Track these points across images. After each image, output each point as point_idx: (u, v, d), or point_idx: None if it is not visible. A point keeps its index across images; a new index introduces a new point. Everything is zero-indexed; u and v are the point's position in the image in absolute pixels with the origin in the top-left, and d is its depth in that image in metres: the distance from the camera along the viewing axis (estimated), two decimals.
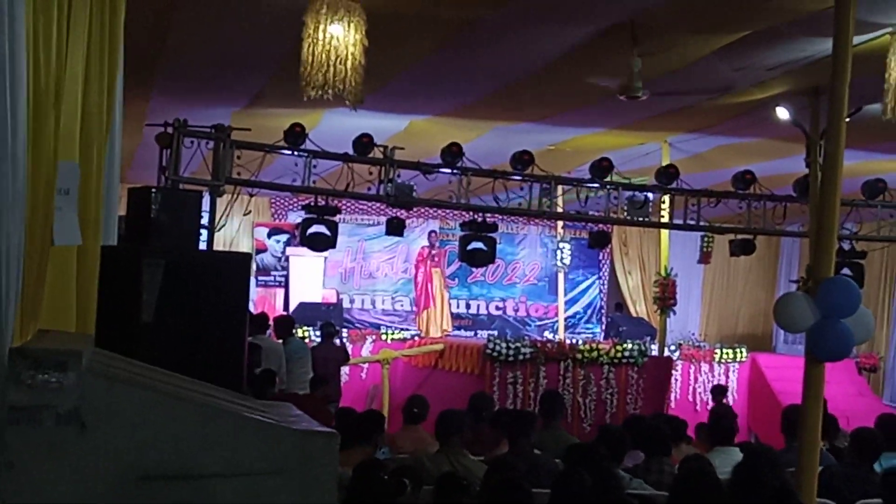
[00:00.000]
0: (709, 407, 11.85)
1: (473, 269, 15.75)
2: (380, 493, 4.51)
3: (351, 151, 9.72)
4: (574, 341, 12.41)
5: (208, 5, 7.24)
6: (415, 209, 12.73)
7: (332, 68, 6.53)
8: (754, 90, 9.13)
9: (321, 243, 10.03)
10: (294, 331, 11.07)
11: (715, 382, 12.77)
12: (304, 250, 11.72)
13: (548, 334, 16.05)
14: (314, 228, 10.04)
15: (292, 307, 14.64)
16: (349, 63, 6.55)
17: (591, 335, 16.47)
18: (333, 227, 10.05)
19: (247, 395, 4.06)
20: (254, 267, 15.38)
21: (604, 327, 16.74)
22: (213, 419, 2.28)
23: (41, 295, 2.79)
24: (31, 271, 2.56)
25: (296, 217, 15.11)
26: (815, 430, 5.70)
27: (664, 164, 11.13)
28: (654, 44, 7.72)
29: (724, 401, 11.90)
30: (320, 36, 6.47)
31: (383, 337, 13.73)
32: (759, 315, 17.95)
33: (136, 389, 2.23)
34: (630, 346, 11.77)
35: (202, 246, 7.69)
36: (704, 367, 13.25)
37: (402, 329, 15.15)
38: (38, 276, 2.67)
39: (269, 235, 16.21)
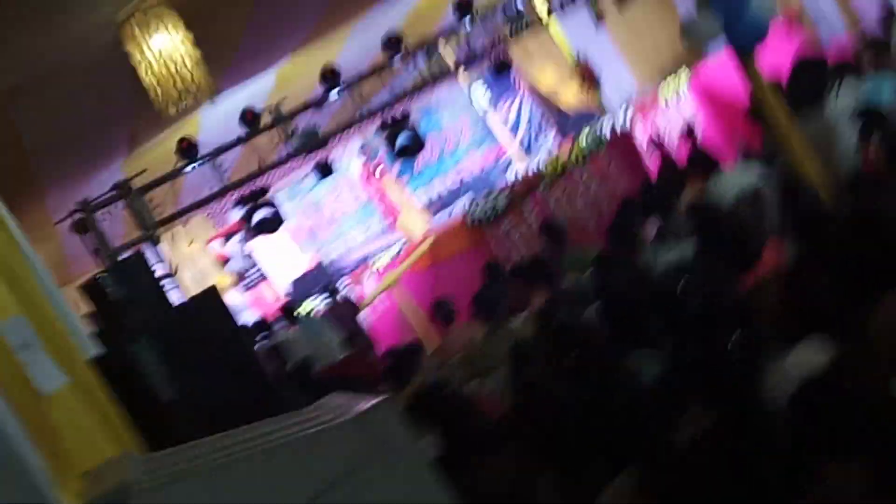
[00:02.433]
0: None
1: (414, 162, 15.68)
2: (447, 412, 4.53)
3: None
4: (536, 167, 12.41)
5: (43, 87, 7.09)
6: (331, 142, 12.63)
7: (176, 76, 6.43)
8: None
9: (270, 226, 9.99)
10: (297, 312, 11.11)
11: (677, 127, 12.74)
12: (261, 238, 11.69)
13: (509, 175, 16.05)
14: (257, 216, 10.01)
15: (286, 290, 14.66)
16: (188, 62, 6.45)
17: (549, 147, 16.43)
18: (272, 207, 10.02)
19: (290, 401, 4.08)
20: (230, 280, 15.34)
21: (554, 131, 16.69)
22: (273, 458, 2.29)
23: (63, 445, 2.79)
24: (41, 431, 2.55)
25: (236, 215, 15.00)
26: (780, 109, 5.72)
27: None
28: None
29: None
30: (149, 55, 6.36)
31: (376, 266, 13.72)
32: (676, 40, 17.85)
33: (188, 481, 2.24)
34: (584, 139, 11.77)
35: (175, 297, 7.66)
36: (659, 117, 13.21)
37: (387, 249, 15.13)
38: (47, 431, 2.66)
39: (225, 243, 16.09)
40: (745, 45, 5.53)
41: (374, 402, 2.36)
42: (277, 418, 2.55)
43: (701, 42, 5.87)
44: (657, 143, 11.57)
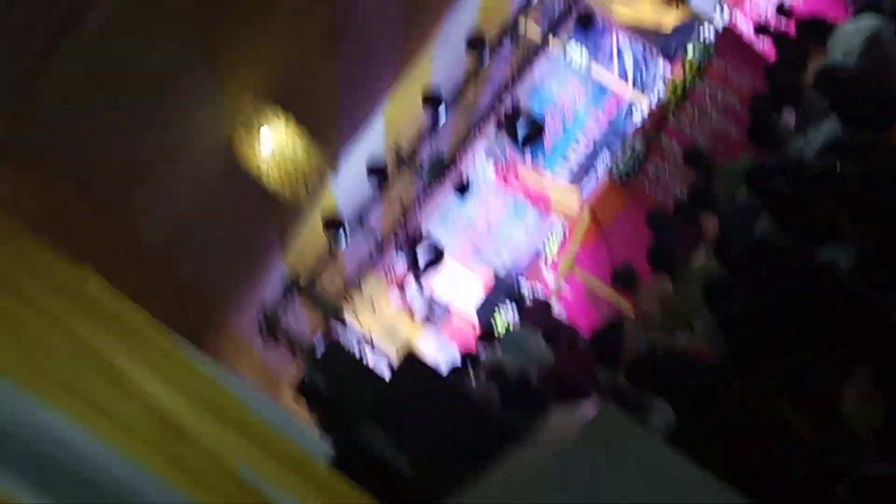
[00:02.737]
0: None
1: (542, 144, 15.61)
2: None
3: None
4: (657, 99, 12.23)
5: (192, 230, 7.42)
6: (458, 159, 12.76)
7: (295, 167, 6.65)
8: None
9: (435, 261, 10.16)
10: (494, 330, 11.21)
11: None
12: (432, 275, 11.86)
13: (636, 117, 15.83)
14: (420, 257, 10.21)
15: (476, 313, 14.80)
16: (300, 150, 6.67)
17: (662, 74, 16.14)
18: (430, 241, 10.20)
19: (519, 425, 4.12)
20: (421, 325, 15.59)
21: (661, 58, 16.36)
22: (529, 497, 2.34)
23: None
24: None
25: (402, 263, 15.23)
26: None
27: None
28: None
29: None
30: (263, 161, 6.60)
31: (548, 256, 13.70)
32: None
33: None
34: (692, 53, 11.55)
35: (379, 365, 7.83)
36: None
37: (551, 236, 15.10)
38: None
39: (403, 292, 16.31)
40: None
41: (591, 411, 2.39)
42: (513, 457, 2.59)
43: None
44: (763, 28, 11.23)
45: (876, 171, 4.09)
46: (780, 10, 10.46)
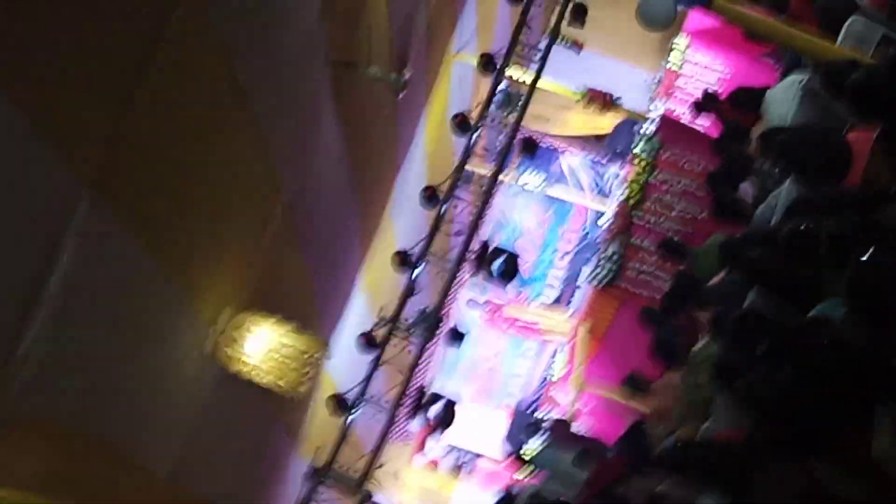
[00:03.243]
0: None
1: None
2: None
3: None
4: (619, 201, 12.39)
5: (206, 454, 7.37)
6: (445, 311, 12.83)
7: (286, 360, 6.71)
8: None
9: (449, 416, 10.12)
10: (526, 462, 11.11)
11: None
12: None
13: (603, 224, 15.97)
14: (433, 415, 10.15)
15: (504, 452, 14.66)
16: (287, 342, 6.73)
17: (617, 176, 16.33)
18: (440, 398, 10.22)
19: None
20: (453, 476, 15.39)
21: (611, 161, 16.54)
22: None
23: None
24: None
25: (418, 424, 15.16)
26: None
27: None
28: None
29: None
30: (251, 363, 6.63)
31: (556, 379, 13.63)
32: None
33: None
34: (639, 149, 11.76)
35: None
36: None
37: (554, 360, 15.07)
38: None
39: (425, 451, 16.17)
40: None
41: None
42: None
43: (658, 17, 5.93)
44: (701, 106, 11.47)
45: (842, 222, 4.13)
46: (707, 96, 10.66)
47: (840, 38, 6.27)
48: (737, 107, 8.36)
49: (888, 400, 3.45)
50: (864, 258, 3.56)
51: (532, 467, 10.82)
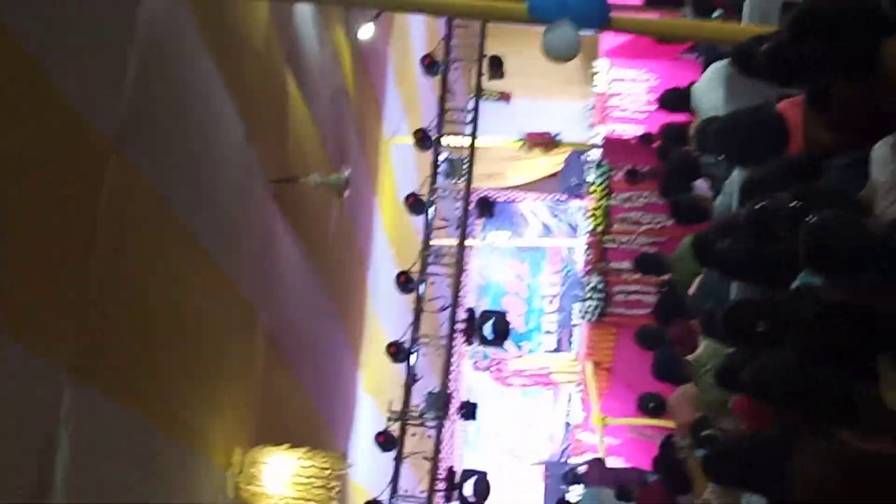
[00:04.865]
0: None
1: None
2: None
3: None
4: (588, 232, 12.45)
5: None
6: (451, 388, 12.81)
7: (306, 484, 6.65)
8: None
9: (485, 491, 10.06)
10: None
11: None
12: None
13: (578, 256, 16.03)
14: (467, 493, 10.07)
15: None
16: (305, 464, 6.69)
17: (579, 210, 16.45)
18: (473, 474, 10.15)
19: None
20: None
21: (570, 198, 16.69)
22: None
23: None
24: None
25: None
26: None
27: None
28: None
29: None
30: (274, 494, 6.58)
31: (577, 422, 13.55)
32: None
33: None
34: (592, 177, 11.84)
35: None
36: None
37: (570, 404, 15.03)
38: None
39: None
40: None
41: None
42: None
43: (561, 49, 6.00)
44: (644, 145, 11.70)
45: (795, 191, 4.15)
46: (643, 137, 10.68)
47: (744, 15, 6.35)
48: (665, 109, 8.41)
49: (885, 348, 3.44)
50: (810, 220, 3.57)
51: None
